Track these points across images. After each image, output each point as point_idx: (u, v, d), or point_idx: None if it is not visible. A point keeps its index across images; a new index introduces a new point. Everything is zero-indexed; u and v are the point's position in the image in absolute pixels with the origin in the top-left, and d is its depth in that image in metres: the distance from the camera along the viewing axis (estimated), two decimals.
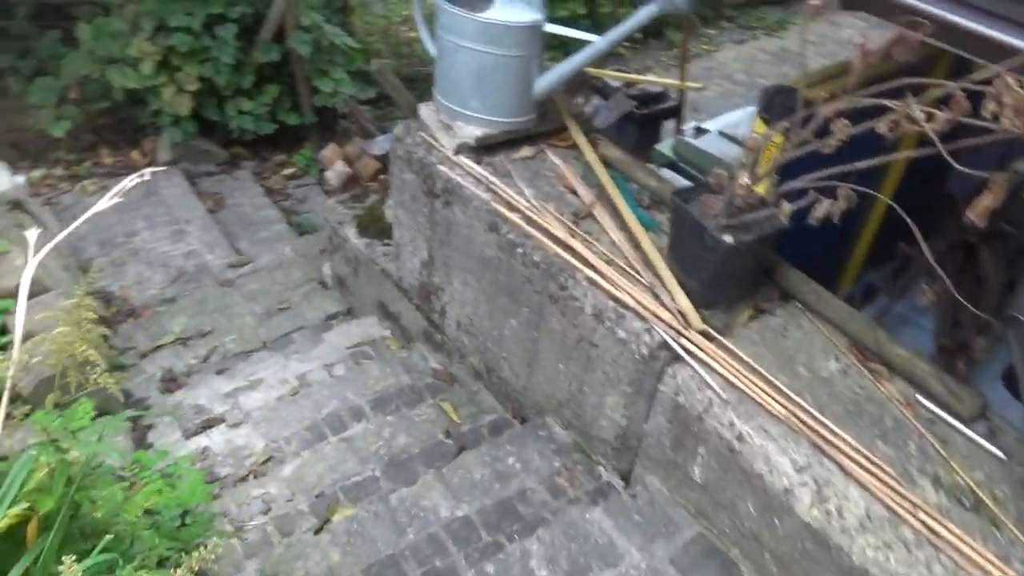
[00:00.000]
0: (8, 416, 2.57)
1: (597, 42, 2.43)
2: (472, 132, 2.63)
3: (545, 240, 2.34)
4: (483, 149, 2.67)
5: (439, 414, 2.82)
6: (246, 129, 5.26)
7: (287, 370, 3.30)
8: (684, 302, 2.15)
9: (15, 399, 2.62)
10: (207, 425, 3.00)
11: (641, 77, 4.53)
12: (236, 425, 2.89)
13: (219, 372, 3.45)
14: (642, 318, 2.12)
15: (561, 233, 2.36)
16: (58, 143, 4.97)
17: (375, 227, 3.52)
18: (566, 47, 4.61)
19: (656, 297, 2.19)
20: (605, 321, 2.17)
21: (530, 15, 2.46)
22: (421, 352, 3.25)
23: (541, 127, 2.75)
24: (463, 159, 2.63)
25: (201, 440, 2.82)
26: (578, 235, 2.38)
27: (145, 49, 4.72)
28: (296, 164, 5.67)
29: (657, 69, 7.18)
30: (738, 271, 2.14)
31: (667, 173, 3.39)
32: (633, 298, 2.17)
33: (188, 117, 4.99)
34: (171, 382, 3.39)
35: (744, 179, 2.00)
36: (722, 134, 3.85)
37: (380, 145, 3.82)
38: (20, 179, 3.90)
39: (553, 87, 2.59)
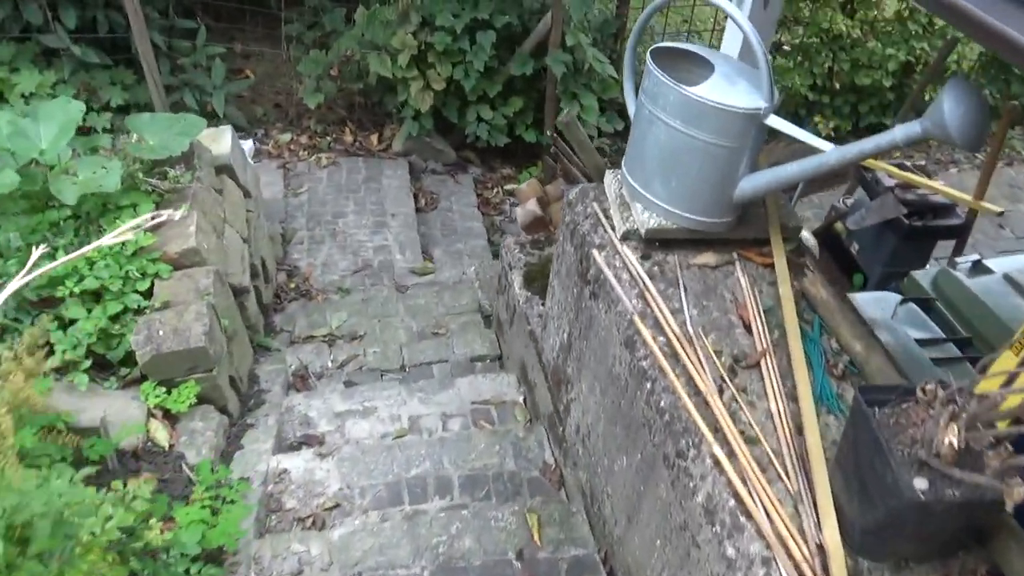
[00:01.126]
0: (118, 378, 2.60)
1: (827, 154, 1.83)
2: (647, 220, 2.16)
3: (679, 385, 1.81)
4: (655, 243, 2.19)
5: (521, 526, 2.40)
6: (480, 137, 5.17)
7: (405, 407, 3.07)
8: (832, 537, 1.52)
9: (129, 363, 2.66)
10: (303, 442, 2.87)
11: (925, 180, 3.66)
12: (326, 455, 2.71)
13: (346, 384, 3.33)
14: (765, 540, 1.53)
15: (705, 382, 1.81)
16: (311, 113, 5.24)
17: (540, 283, 3.16)
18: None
19: (796, 514, 1.58)
20: (716, 523, 1.61)
21: (752, 101, 1.92)
22: (541, 437, 2.84)
23: (738, 232, 2.20)
24: (626, 249, 2.17)
25: (285, 460, 2.67)
26: (727, 389, 1.82)
27: (406, 42, 4.79)
28: (520, 181, 5.50)
29: (959, 168, 5.98)
30: (925, 529, 1.46)
31: (910, 315, 2.60)
32: (763, 505, 1.58)
33: (428, 114, 5.00)
34: (300, 380, 3.33)
35: (973, 406, 1.33)
36: (1009, 280, 2.94)
37: None
38: (248, 144, 4.10)
39: (758, 193, 2.03)
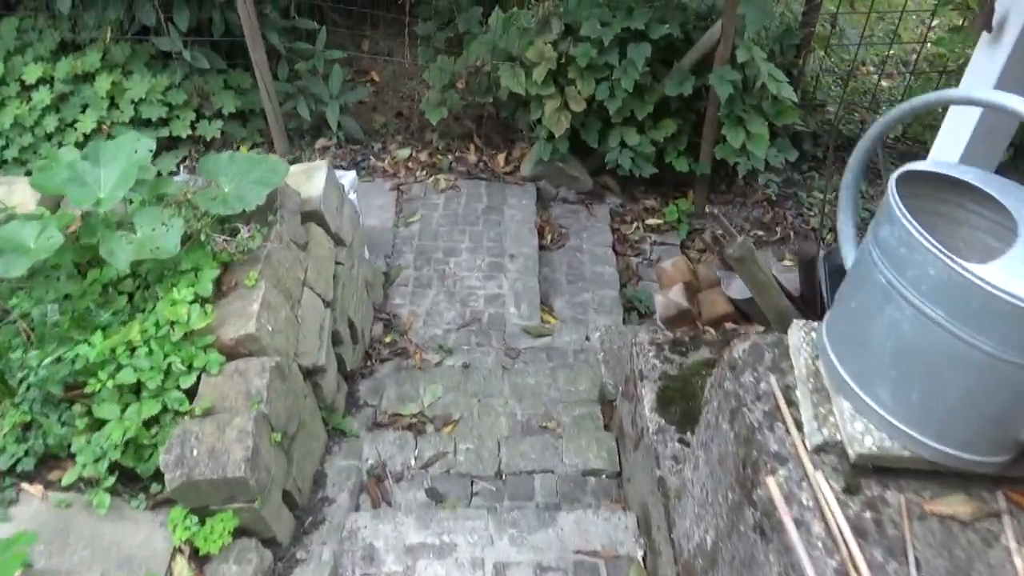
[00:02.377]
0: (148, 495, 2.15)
1: None
2: (860, 434, 1.38)
3: None
4: (869, 472, 1.40)
5: None
6: (622, 165, 4.41)
7: (491, 548, 2.44)
8: None
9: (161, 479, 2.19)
10: None
11: None
12: None
13: (428, 492, 2.76)
14: None
15: None
16: (434, 126, 4.67)
17: (680, 408, 2.42)
18: None
19: None
20: None
21: None
22: None
23: (1008, 471, 1.37)
24: (820, 478, 1.40)
25: None
26: None
27: (544, 53, 4.09)
28: (666, 216, 4.70)
29: None
30: None
31: None
32: None
33: (564, 137, 4.29)
34: (375, 483, 2.78)
35: None
36: None
37: (742, 288, 2.64)
38: (349, 176, 3.57)
39: None
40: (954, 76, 4.93)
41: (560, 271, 4.27)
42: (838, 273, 2.21)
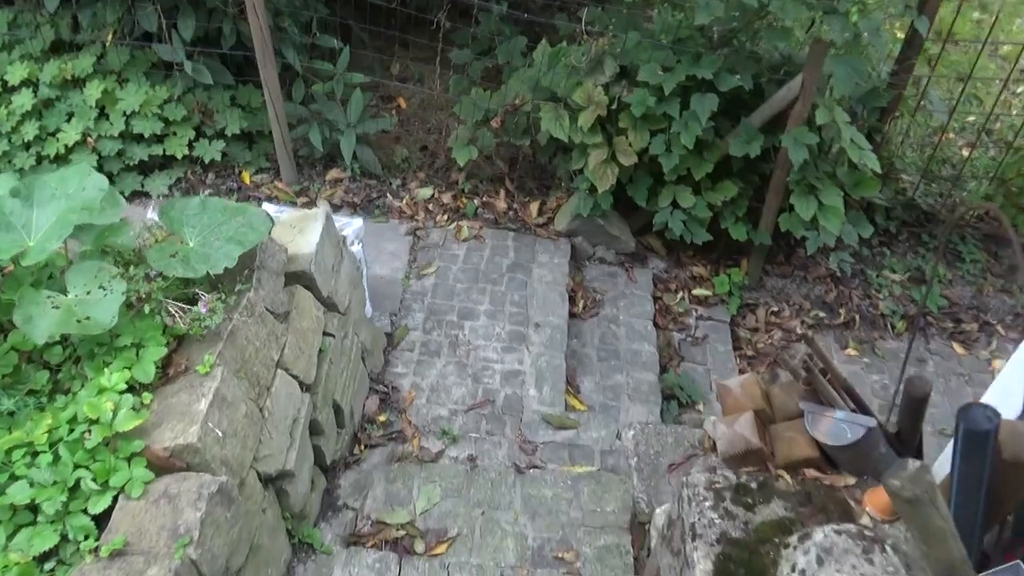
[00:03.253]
0: None
1: None
2: None
3: None
4: None
5: None
6: (672, 229, 3.85)
7: None
8: None
9: None
10: None
11: None
12: None
13: None
14: None
15: None
16: (461, 165, 4.15)
17: None
18: None
19: None
20: None
21: None
22: None
23: None
24: None
25: None
26: None
27: (594, 96, 3.55)
28: (716, 287, 4.12)
29: None
30: None
31: None
32: None
33: (608, 192, 3.75)
34: None
35: None
36: None
37: (835, 432, 2.04)
38: (355, 224, 3.05)
39: None
40: None
41: (591, 345, 3.70)
42: (976, 445, 1.63)
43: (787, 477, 2.08)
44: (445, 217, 4.05)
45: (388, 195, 4.09)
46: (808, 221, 3.71)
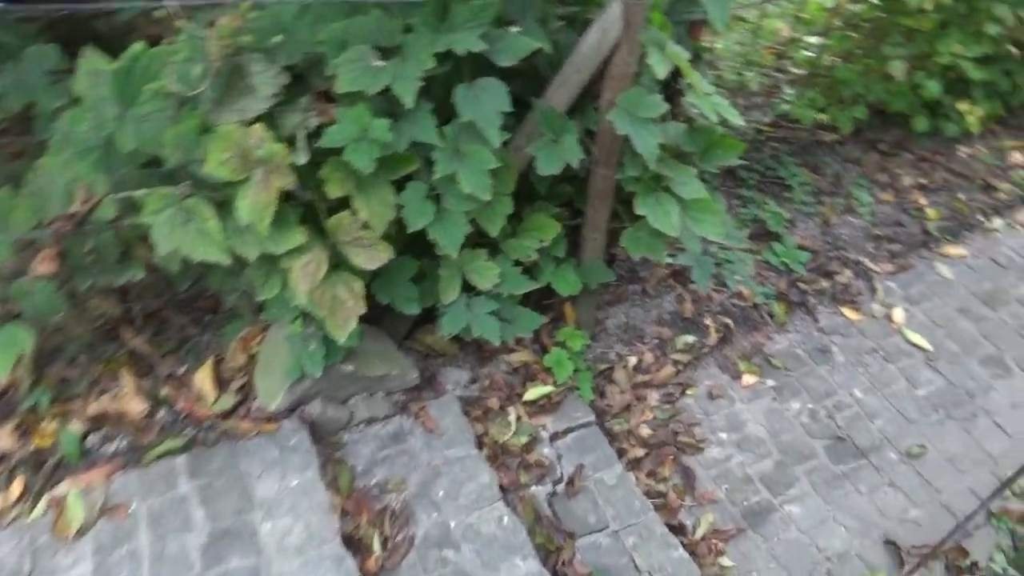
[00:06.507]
0: None
1: None
2: None
3: None
4: None
5: None
6: (471, 330, 2.09)
7: None
8: None
9: None
10: None
11: None
12: None
13: None
14: None
15: None
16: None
17: None
18: None
19: None
20: None
21: None
22: None
23: None
24: None
25: None
26: None
27: (252, 151, 1.56)
28: (554, 371, 2.50)
29: None
30: None
31: None
32: None
33: (355, 330, 1.83)
34: None
35: None
36: None
37: None
38: None
39: None
40: None
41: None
42: None
43: None
44: (13, 497, 1.78)
45: None
46: (651, 242, 2.25)
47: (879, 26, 3.05)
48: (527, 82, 2.03)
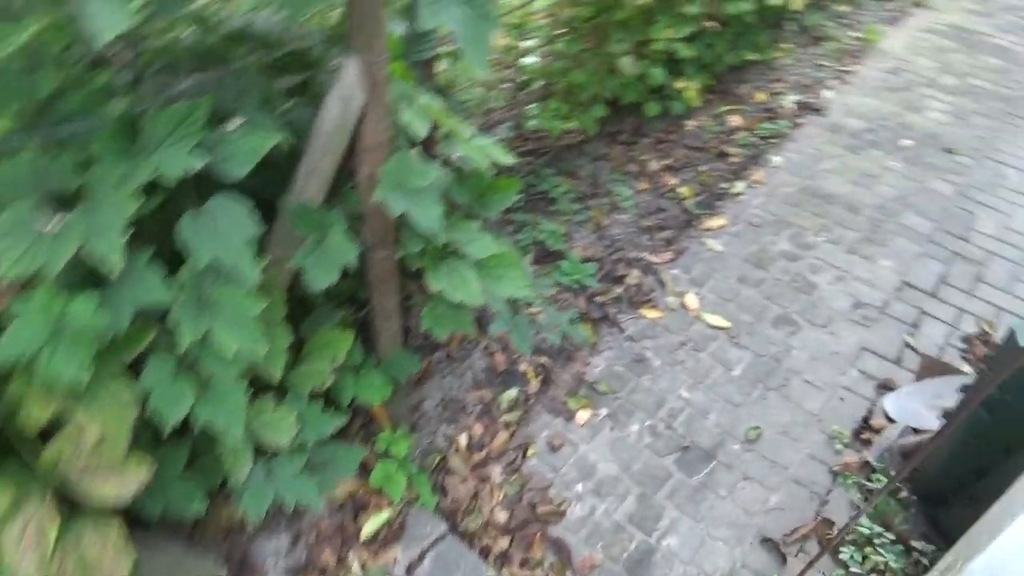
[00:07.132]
0: None
1: None
2: None
3: None
4: None
5: None
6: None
7: None
8: None
9: None
10: None
11: None
12: None
13: None
14: None
15: None
16: None
17: None
18: None
19: None
20: None
21: None
22: None
23: None
24: None
25: None
26: None
27: None
28: (387, 491, 2.11)
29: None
30: None
31: None
32: None
33: None
34: None
35: None
36: None
37: None
38: None
39: None
40: None
41: None
42: None
43: None
44: None
45: None
46: (450, 316, 1.98)
47: (598, 25, 3.02)
48: (265, 175, 1.61)
